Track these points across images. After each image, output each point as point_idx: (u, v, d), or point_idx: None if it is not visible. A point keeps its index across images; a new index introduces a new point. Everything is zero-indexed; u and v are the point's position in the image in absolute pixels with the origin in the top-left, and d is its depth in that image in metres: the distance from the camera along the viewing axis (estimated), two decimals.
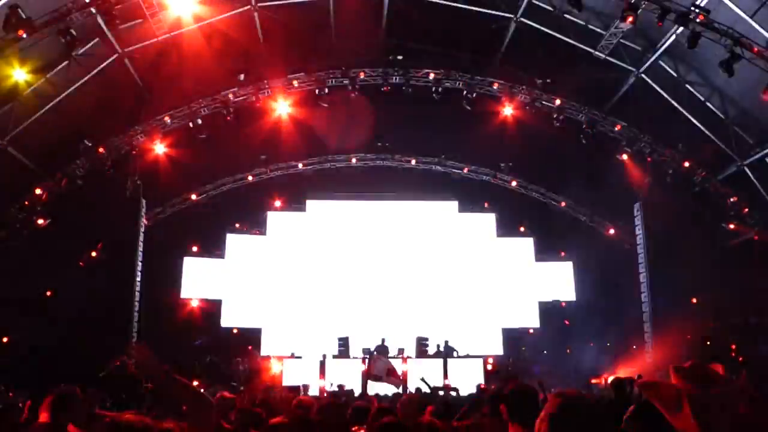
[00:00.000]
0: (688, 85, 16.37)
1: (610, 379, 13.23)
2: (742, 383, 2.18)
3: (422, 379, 9.92)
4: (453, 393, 13.24)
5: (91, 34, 14.25)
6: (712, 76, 15.52)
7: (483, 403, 6.02)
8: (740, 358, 16.09)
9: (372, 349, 17.15)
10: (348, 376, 15.97)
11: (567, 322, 20.64)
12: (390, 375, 11.93)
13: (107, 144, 17.26)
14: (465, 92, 17.57)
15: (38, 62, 13.69)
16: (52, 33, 12.88)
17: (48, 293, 17.11)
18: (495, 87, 17.76)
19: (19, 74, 13.43)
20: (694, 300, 17.47)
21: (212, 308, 20.34)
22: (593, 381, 17.61)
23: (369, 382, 11.86)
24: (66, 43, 13.14)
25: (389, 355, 16.68)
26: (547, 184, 21.85)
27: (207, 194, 21.03)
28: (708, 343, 16.56)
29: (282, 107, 17.65)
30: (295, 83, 17.45)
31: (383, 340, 17.59)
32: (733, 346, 16.55)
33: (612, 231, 21.80)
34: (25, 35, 12.26)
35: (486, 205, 22.40)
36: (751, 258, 16.60)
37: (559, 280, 21.63)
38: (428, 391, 10.84)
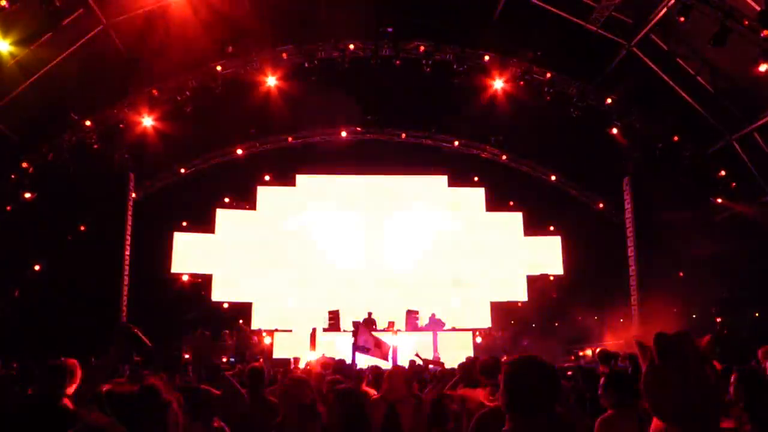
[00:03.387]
0: (678, 59, 16.30)
1: (597, 350, 13.40)
2: (705, 346, 2.21)
3: (417, 355, 10.17)
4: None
5: (75, 5, 13.97)
6: (702, 49, 15.45)
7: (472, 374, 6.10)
8: (725, 330, 16.33)
9: (360, 321, 17.24)
10: (338, 349, 16.06)
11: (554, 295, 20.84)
12: (377, 347, 11.97)
13: (94, 117, 17.06)
14: (455, 65, 17.45)
15: (22, 33, 13.42)
16: (35, 3, 12.63)
17: (36, 267, 17.05)
18: (486, 60, 17.63)
19: (3, 45, 13.18)
20: (681, 274, 17.64)
21: (202, 283, 20.39)
22: (580, 353, 17.83)
23: (357, 354, 11.92)
24: (50, 14, 12.89)
25: (376, 328, 16.77)
26: (536, 157, 21.84)
27: (196, 168, 20.89)
28: (694, 316, 16.76)
29: (271, 80, 17.47)
30: (284, 56, 17.27)
31: (370, 314, 17.64)
32: (718, 320, 16.77)
33: (601, 205, 21.88)
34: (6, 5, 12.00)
35: (475, 178, 22.40)
36: (737, 232, 16.74)
37: (547, 254, 21.77)
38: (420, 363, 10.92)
